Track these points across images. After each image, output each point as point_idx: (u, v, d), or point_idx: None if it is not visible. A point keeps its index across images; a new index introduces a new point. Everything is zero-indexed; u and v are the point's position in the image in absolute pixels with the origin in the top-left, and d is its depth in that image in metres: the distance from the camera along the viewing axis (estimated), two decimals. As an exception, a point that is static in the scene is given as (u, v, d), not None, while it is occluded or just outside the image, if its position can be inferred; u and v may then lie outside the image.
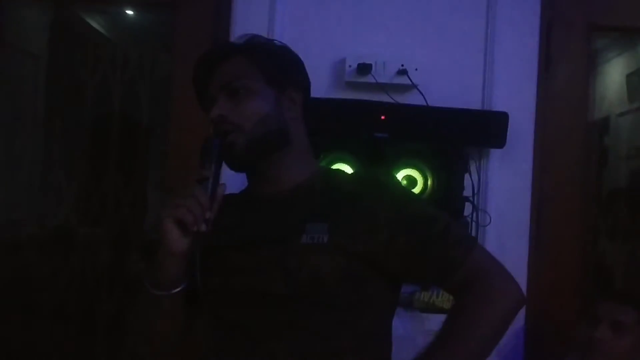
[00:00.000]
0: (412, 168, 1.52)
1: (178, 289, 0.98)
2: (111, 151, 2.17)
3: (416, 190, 1.51)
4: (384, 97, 1.64)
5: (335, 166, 1.52)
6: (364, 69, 1.65)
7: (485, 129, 1.64)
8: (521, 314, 1.69)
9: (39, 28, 2.28)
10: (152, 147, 2.24)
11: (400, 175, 1.51)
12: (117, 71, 2.22)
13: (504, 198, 1.69)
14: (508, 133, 1.63)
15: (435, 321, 1.59)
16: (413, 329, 1.44)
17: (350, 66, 1.66)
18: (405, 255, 0.99)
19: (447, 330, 0.97)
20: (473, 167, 1.65)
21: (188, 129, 1.75)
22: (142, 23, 2.38)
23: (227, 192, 1.02)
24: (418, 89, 1.64)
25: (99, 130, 2.20)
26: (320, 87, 1.69)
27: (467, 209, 1.57)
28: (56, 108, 2.23)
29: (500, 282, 1.02)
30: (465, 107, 1.64)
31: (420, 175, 1.51)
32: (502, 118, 1.63)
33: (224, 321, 1.01)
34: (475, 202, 1.59)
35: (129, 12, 2.39)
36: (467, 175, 1.58)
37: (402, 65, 1.65)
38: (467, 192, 1.58)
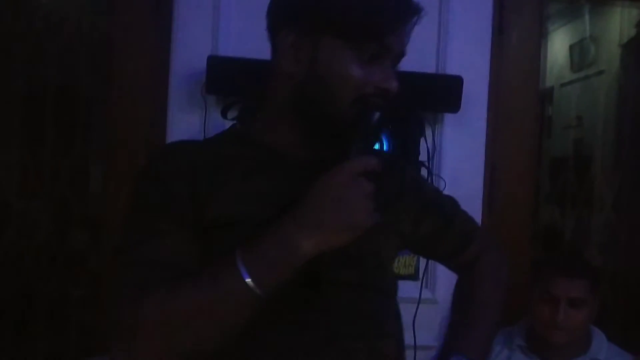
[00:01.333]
0: (368, 132, 1.48)
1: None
2: (47, 120, 2.05)
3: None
4: (337, 60, 1.59)
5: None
6: (316, 31, 1.59)
7: (439, 93, 1.62)
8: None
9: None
10: (94, 116, 2.13)
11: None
12: (52, 35, 2.09)
13: (458, 162, 1.69)
14: (462, 98, 1.62)
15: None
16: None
17: (302, 28, 1.60)
18: (431, 235, 1.01)
19: (481, 299, 1.01)
20: (428, 132, 1.62)
21: (129, 96, 1.67)
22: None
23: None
24: (372, 52, 1.60)
25: (32, 98, 2.07)
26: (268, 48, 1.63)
27: (422, 173, 1.55)
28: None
29: (495, 244, 1.11)
30: (419, 70, 1.61)
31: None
32: (456, 82, 1.61)
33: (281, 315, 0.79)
34: (430, 166, 1.57)
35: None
36: (422, 140, 1.55)
37: (356, 28, 1.60)
38: (422, 157, 1.55)
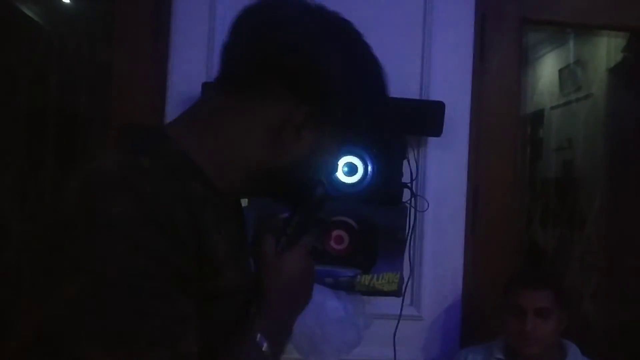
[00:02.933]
0: (353, 155, 1.55)
1: None
2: (48, 142, 2.11)
3: (356, 177, 1.54)
4: (325, 86, 1.67)
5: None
6: (305, 58, 1.66)
7: (422, 117, 1.68)
8: (459, 294, 1.77)
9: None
10: (94, 139, 2.20)
11: (341, 162, 1.54)
12: (54, 60, 2.17)
13: (441, 185, 1.75)
14: (444, 122, 1.68)
15: (376, 303, 1.65)
16: (354, 311, 1.47)
17: (291, 55, 1.67)
18: None
19: None
20: (411, 155, 1.70)
21: (128, 120, 1.73)
22: (79, 10, 2.33)
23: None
24: (358, 79, 1.67)
25: (34, 121, 2.14)
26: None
27: (406, 195, 1.62)
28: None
29: None
30: (403, 96, 1.69)
31: (360, 162, 1.54)
32: (438, 107, 1.68)
33: None
34: (413, 188, 1.64)
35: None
36: (405, 163, 1.62)
37: (343, 55, 1.67)
38: (406, 179, 1.62)
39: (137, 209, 0.63)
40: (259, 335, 0.75)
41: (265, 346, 0.75)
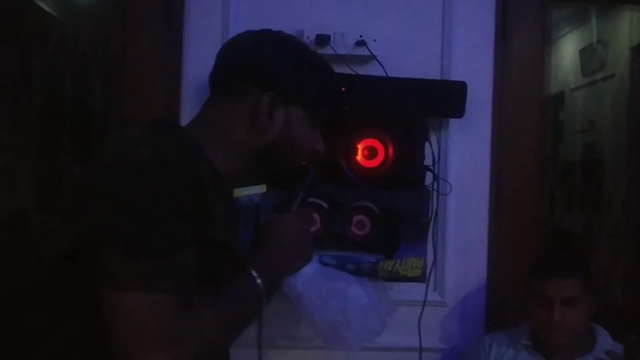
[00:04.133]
0: (373, 138, 1.51)
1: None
2: (64, 133, 2.11)
3: (377, 160, 1.51)
4: (343, 69, 1.63)
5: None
6: (322, 40, 1.63)
7: (444, 99, 1.65)
8: (483, 279, 1.74)
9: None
10: (110, 129, 2.18)
11: (362, 145, 1.50)
12: (67, 51, 2.15)
13: (464, 167, 1.71)
14: (467, 103, 1.64)
15: (399, 289, 1.62)
16: (377, 298, 1.44)
17: (308, 37, 1.64)
18: None
19: None
20: (433, 137, 1.66)
21: (142, 109, 1.71)
22: (91, 1, 2.31)
23: None
24: (377, 60, 1.64)
25: (49, 112, 2.13)
26: (279, 59, 1.67)
27: (428, 178, 1.58)
28: (3, 89, 2.15)
29: None
30: (424, 77, 1.65)
31: (381, 145, 1.51)
32: (460, 88, 1.64)
33: None
34: (435, 171, 1.60)
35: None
36: (427, 145, 1.58)
37: (361, 36, 1.64)
38: (428, 162, 1.58)
39: (155, 156, 0.86)
40: (254, 272, 0.91)
41: (259, 282, 0.91)
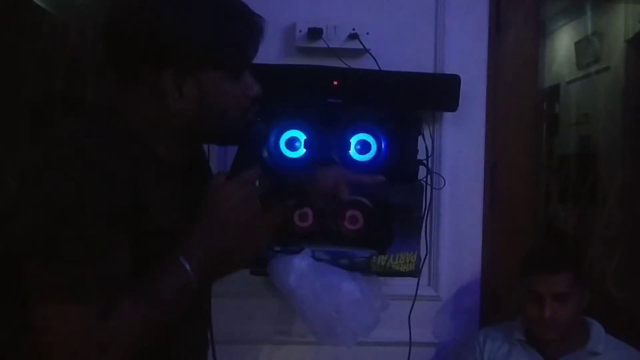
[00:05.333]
0: (366, 132, 1.50)
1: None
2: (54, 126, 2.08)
3: (370, 154, 1.50)
4: (335, 62, 1.62)
5: (289, 133, 1.50)
6: (314, 33, 1.61)
7: (437, 92, 1.63)
8: (477, 273, 1.73)
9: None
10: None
11: (354, 139, 1.49)
12: (58, 45, 2.13)
13: (458, 161, 1.71)
14: (460, 96, 1.63)
15: (393, 284, 1.61)
16: (371, 293, 1.43)
17: (300, 31, 1.63)
18: None
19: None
20: (426, 131, 1.65)
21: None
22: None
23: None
24: (370, 53, 1.62)
25: (40, 107, 2.11)
26: (271, 53, 1.66)
27: (422, 172, 1.57)
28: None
29: None
30: (417, 70, 1.63)
31: (374, 140, 1.50)
32: (454, 81, 1.62)
33: None
34: (429, 165, 1.59)
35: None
36: (420, 139, 1.57)
37: (354, 30, 1.62)
38: (421, 156, 1.57)
39: (78, 156, 0.81)
40: (182, 258, 0.86)
41: (188, 267, 0.86)
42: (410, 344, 1.63)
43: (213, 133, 0.96)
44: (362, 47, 1.62)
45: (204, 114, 0.91)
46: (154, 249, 0.86)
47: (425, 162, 1.58)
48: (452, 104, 1.64)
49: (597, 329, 1.51)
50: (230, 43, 0.90)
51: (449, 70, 1.68)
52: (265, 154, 1.46)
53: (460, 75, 1.63)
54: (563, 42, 3.32)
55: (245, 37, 0.92)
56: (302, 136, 1.49)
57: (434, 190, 1.64)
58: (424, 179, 1.59)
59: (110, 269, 0.81)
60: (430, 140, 1.65)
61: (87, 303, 0.79)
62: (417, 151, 1.53)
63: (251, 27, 0.92)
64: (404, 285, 1.60)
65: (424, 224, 1.60)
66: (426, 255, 1.64)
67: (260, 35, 0.94)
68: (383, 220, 1.48)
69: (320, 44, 1.62)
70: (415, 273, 1.51)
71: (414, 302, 1.61)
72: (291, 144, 1.49)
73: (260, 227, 0.96)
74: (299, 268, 1.39)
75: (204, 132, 0.95)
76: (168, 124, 0.92)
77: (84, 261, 0.79)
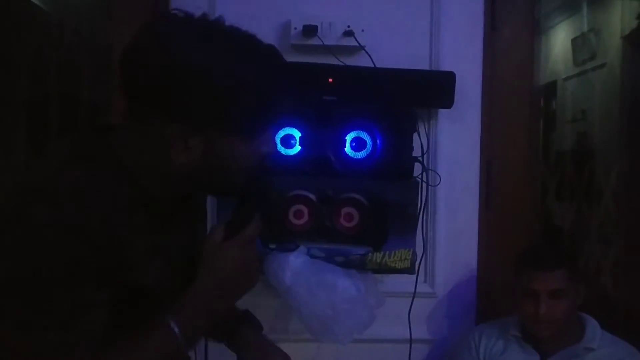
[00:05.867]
0: (361, 130, 1.50)
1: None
2: (51, 127, 2.08)
3: (365, 152, 1.50)
4: (331, 60, 1.62)
5: (284, 131, 1.49)
6: (309, 31, 1.61)
7: (432, 89, 1.63)
8: (473, 270, 1.73)
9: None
10: (98, 122, 2.16)
11: (350, 137, 1.49)
12: (53, 43, 2.13)
13: (454, 158, 1.70)
14: (455, 93, 1.63)
15: (389, 281, 1.61)
16: (366, 290, 1.43)
17: (295, 28, 1.62)
18: None
19: None
20: (422, 128, 1.65)
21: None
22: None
23: None
24: (365, 51, 1.62)
25: (36, 106, 2.11)
26: (266, 50, 1.65)
27: (417, 169, 1.57)
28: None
29: None
30: (412, 67, 1.63)
31: (369, 137, 1.50)
32: (449, 78, 1.62)
33: None
34: (424, 162, 1.59)
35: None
36: (416, 136, 1.57)
37: (349, 27, 1.62)
38: (417, 153, 1.57)
39: (52, 214, 0.76)
40: (172, 322, 0.84)
41: (177, 332, 0.84)
42: (410, 340, 1.63)
43: (214, 187, 0.92)
44: (357, 44, 1.61)
45: (207, 169, 0.86)
46: (137, 303, 0.85)
47: (420, 159, 1.58)
48: (447, 100, 1.64)
49: (592, 324, 1.51)
50: (250, 115, 0.83)
51: (444, 67, 1.67)
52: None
53: (456, 72, 1.63)
54: (560, 39, 3.32)
55: (268, 110, 0.86)
56: (297, 134, 1.49)
57: (429, 187, 1.64)
58: (420, 176, 1.59)
59: (93, 330, 0.79)
60: (426, 137, 1.65)
61: None
62: (412, 148, 1.53)
63: (277, 99, 0.87)
64: (400, 282, 1.60)
65: (420, 221, 1.60)
66: (422, 252, 1.64)
67: (288, 102, 0.96)
68: (378, 218, 1.48)
69: (315, 41, 1.61)
70: (411, 270, 1.51)
71: (413, 299, 1.61)
72: (286, 141, 1.48)
73: (255, 274, 0.93)
74: (295, 266, 1.39)
75: (203, 185, 0.91)
76: (167, 172, 0.86)
77: (58, 326, 0.77)
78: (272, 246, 1.44)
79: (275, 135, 0.89)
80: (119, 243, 0.80)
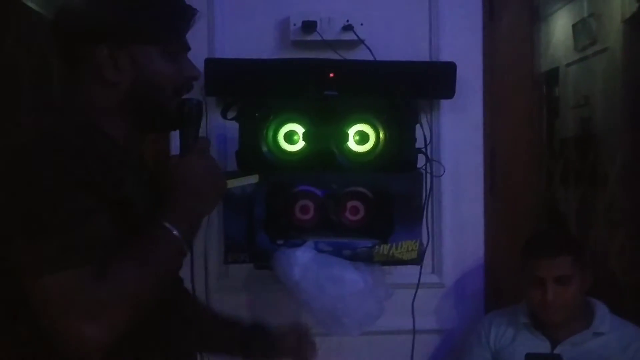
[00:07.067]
0: (364, 123, 1.49)
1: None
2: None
3: (368, 145, 1.50)
4: (331, 55, 1.62)
5: (287, 126, 1.50)
6: (308, 26, 1.62)
7: (433, 80, 1.64)
8: (480, 259, 1.74)
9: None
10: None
11: (352, 130, 1.49)
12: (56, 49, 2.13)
13: (457, 148, 1.71)
14: (457, 83, 1.64)
15: (397, 272, 1.62)
16: (374, 282, 1.44)
17: (294, 25, 1.63)
18: None
19: None
20: (424, 119, 1.65)
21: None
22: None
23: None
24: (365, 44, 1.63)
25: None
26: (266, 47, 1.67)
27: (421, 160, 1.57)
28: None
29: None
30: (412, 59, 1.64)
31: (372, 130, 1.49)
32: (449, 68, 1.63)
33: None
34: (428, 153, 1.60)
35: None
36: (418, 127, 1.58)
37: (348, 21, 1.63)
38: (420, 144, 1.58)
39: (38, 138, 0.88)
40: (167, 224, 0.91)
41: (176, 233, 0.91)
42: (414, 331, 1.64)
43: (149, 110, 0.99)
44: (356, 38, 1.62)
45: (139, 87, 0.97)
46: (127, 220, 0.90)
47: (424, 150, 1.58)
48: (448, 91, 1.64)
49: (601, 309, 1.52)
50: (159, 19, 0.97)
51: (444, 57, 1.68)
52: (265, 149, 1.47)
53: (456, 62, 1.63)
54: (560, 25, 3.30)
55: (174, 15, 0.99)
56: (300, 129, 1.49)
57: (434, 177, 1.65)
58: (424, 167, 1.59)
59: (96, 232, 0.84)
60: (428, 128, 1.66)
61: (80, 266, 0.82)
62: (415, 139, 1.54)
63: (180, 7, 1.00)
64: (407, 273, 1.61)
65: (425, 212, 1.61)
66: (428, 242, 1.65)
67: (190, 18, 1.01)
68: (384, 210, 1.48)
69: (314, 36, 1.62)
70: (418, 261, 1.51)
71: (416, 290, 1.62)
72: (290, 137, 1.49)
73: (219, 178, 1.02)
74: (302, 261, 1.39)
75: (140, 108, 0.99)
76: (109, 100, 0.96)
77: (67, 229, 0.83)
78: (280, 242, 1.45)
79: (191, 63, 1.02)
80: (105, 162, 0.90)
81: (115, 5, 0.96)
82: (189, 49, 1.02)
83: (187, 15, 1.00)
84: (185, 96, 1.02)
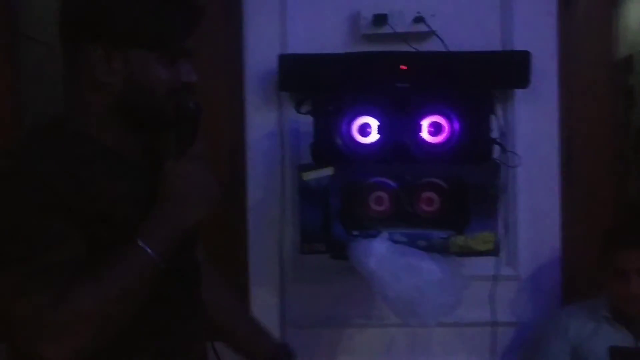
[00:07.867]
0: (437, 114, 1.50)
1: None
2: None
3: (442, 136, 1.50)
4: (403, 47, 1.63)
5: (360, 119, 1.52)
6: (379, 19, 1.63)
7: (507, 69, 1.62)
8: (557, 251, 1.70)
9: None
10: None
11: (426, 122, 1.50)
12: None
13: (532, 138, 1.68)
14: (531, 72, 1.61)
15: (471, 264, 1.61)
16: (451, 273, 1.44)
17: (365, 18, 1.64)
18: None
19: None
20: (498, 109, 1.63)
21: (207, 99, 1.73)
22: None
23: None
24: (437, 35, 1.62)
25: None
26: (337, 42, 1.69)
27: (496, 151, 1.56)
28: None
29: None
30: (484, 49, 1.62)
31: (446, 121, 1.50)
32: (524, 57, 1.60)
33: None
34: (503, 143, 1.58)
35: None
36: (493, 118, 1.56)
37: (419, 13, 1.63)
38: (495, 135, 1.56)
39: (12, 166, 0.88)
40: (139, 240, 0.89)
41: (147, 248, 0.89)
42: (493, 323, 1.63)
43: (141, 114, 0.96)
44: (428, 29, 1.62)
45: (130, 91, 0.94)
46: (105, 238, 0.90)
47: (499, 140, 1.57)
48: (523, 80, 1.62)
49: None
50: (158, 25, 0.93)
51: (518, 46, 1.65)
52: (339, 142, 1.49)
53: (530, 51, 1.60)
54: (635, 13, 3.17)
55: (174, 22, 0.94)
56: (374, 122, 1.51)
57: (509, 168, 1.63)
58: (499, 158, 1.58)
59: (59, 256, 0.85)
60: (503, 119, 1.64)
61: (39, 292, 0.84)
62: (490, 130, 1.52)
63: (184, 13, 0.95)
64: (481, 265, 1.60)
65: (501, 203, 1.59)
66: (504, 234, 1.63)
67: (194, 23, 0.96)
68: (459, 200, 1.48)
69: (386, 29, 1.63)
70: (495, 252, 1.50)
71: (495, 282, 1.60)
72: (364, 130, 1.51)
73: (211, 186, 0.97)
74: (379, 251, 1.41)
75: (132, 112, 0.96)
76: (99, 102, 0.94)
77: (31, 256, 0.85)
78: (356, 233, 1.47)
79: (191, 68, 0.96)
80: (80, 180, 0.88)
81: (116, 6, 0.93)
82: (189, 54, 0.97)
83: (189, 21, 0.96)
84: (186, 99, 0.98)
